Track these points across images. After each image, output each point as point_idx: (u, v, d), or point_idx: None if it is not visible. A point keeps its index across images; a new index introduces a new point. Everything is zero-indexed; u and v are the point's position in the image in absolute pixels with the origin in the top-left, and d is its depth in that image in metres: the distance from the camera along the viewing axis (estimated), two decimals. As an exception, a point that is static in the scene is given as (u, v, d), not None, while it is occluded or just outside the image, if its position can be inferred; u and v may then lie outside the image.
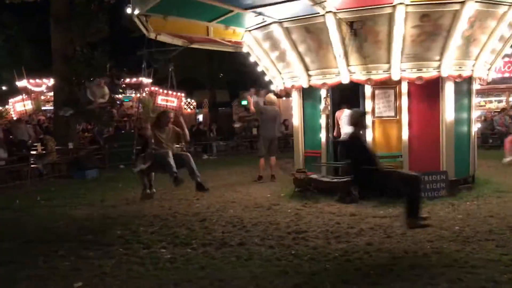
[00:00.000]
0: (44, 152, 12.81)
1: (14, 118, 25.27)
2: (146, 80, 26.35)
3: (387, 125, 8.66)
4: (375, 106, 8.61)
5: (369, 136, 8.55)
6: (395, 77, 8.27)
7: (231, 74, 31.00)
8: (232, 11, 8.44)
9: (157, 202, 8.87)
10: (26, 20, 33.05)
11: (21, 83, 26.99)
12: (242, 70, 23.36)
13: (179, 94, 27.98)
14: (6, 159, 11.67)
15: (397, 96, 8.51)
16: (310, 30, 8.43)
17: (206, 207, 8.31)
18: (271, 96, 11.25)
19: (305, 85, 9.04)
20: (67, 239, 6.51)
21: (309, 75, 8.97)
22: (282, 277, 4.84)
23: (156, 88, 27.81)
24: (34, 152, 12.54)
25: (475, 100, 9.91)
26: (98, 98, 16.11)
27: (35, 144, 13.20)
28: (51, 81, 24.13)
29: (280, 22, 8.56)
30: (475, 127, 9.59)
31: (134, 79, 25.60)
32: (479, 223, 6.60)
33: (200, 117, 28.57)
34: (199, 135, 19.59)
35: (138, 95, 26.17)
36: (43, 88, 26.05)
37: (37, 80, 26.55)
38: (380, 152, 8.43)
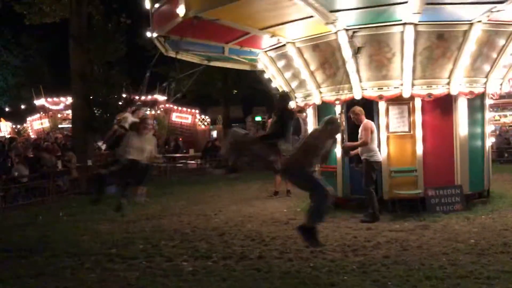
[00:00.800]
0: (65, 169, 13.12)
1: (32, 137, 25.91)
2: (161, 98, 26.88)
3: (401, 141, 8.80)
4: (389, 121, 8.77)
5: (384, 152, 8.71)
6: (406, 94, 8.45)
7: (245, 90, 31.38)
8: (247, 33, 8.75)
9: (176, 217, 9.10)
10: (44, 40, 33.85)
11: (39, 102, 27.64)
12: (256, 86, 23.71)
13: (193, 110, 28.51)
14: (27, 176, 11.99)
15: (411, 111, 8.67)
16: (321, 48, 8.68)
17: (224, 221, 8.50)
18: None
19: (318, 102, 9.25)
20: (91, 252, 6.74)
21: (320, 92, 9.19)
22: (301, 288, 5.00)
23: (171, 105, 28.37)
24: (58, 169, 12.85)
25: (489, 114, 10.04)
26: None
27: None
28: (68, 100, 24.73)
29: (293, 42, 8.82)
30: (489, 141, 9.69)
31: (149, 97, 26.05)
32: (494, 236, 6.71)
33: (214, 133, 28.85)
34: (214, 151, 19.81)
35: (153, 112, 26.62)
36: (61, 106, 26.61)
37: (55, 99, 27.15)
38: (395, 167, 8.64)
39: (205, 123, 28.53)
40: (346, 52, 8.27)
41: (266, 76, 10.72)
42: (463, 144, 8.67)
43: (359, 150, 8.32)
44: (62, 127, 26.65)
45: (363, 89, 8.67)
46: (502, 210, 8.36)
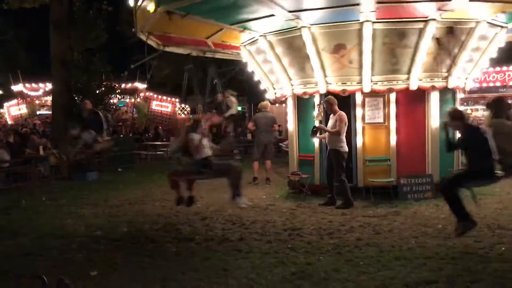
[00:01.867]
0: (46, 154, 13.20)
1: (10, 122, 25.66)
2: (141, 86, 26.87)
3: (376, 131, 9.19)
4: (365, 113, 9.14)
5: (359, 141, 9.10)
6: (366, 89, 8.91)
7: (226, 81, 31.46)
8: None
9: (158, 203, 9.34)
10: (21, 25, 33.33)
11: (17, 88, 27.33)
12: (237, 77, 23.89)
13: (173, 99, 28.58)
14: (9, 161, 12.04)
15: (386, 103, 9.06)
16: (290, 43, 9.06)
17: (205, 207, 8.78)
18: (263, 103, 11.79)
19: (289, 94, 9.63)
20: (77, 234, 6.97)
21: (292, 85, 9.57)
22: (280, 267, 5.34)
23: (151, 94, 28.39)
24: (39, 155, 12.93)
25: (460, 108, 10.49)
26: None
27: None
28: (48, 86, 24.55)
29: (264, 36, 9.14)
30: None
31: (129, 84, 26.04)
32: (460, 221, 7.13)
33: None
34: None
35: (133, 100, 26.62)
36: (40, 92, 26.39)
37: (34, 85, 26.89)
38: (370, 156, 9.05)
39: (185, 112, 28.65)
40: (310, 48, 8.65)
41: (249, 69, 10.98)
42: (434, 135, 9.10)
43: (327, 139, 8.64)
44: (41, 114, 26.47)
45: (327, 84, 9.06)
46: (469, 199, 8.75)
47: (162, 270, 5.33)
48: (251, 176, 11.45)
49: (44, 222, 7.87)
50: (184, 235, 6.80)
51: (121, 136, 18.09)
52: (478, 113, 20.17)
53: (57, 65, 16.66)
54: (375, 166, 9.11)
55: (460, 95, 10.00)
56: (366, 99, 9.13)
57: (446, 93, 9.33)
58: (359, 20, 8.24)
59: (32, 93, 26.96)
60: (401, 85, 8.91)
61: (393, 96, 8.98)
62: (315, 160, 9.55)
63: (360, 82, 8.90)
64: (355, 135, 9.15)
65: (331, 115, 8.64)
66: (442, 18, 8.28)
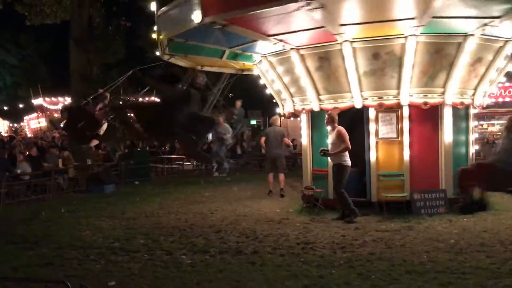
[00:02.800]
0: (64, 167, 13.50)
1: (29, 135, 26.21)
2: (158, 100, 27.26)
3: (389, 146, 9.27)
4: (378, 128, 9.23)
5: (372, 156, 9.19)
6: (404, 103, 8.96)
7: (240, 94, 31.76)
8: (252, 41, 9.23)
9: (174, 215, 9.50)
10: (42, 40, 34.20)
11: (37, 101, 28.00)
12: (252, 90, 24.14)
13: (189, 113, 28.88)
14: (30, 173, 12.36)
15: (399, 119, 9.14)
16: (323, 57, 9.14)
17: (220, 220, 8.92)
18: (273, 117, 12.08)
19: (316, 109, 9.71)
20: (95, 246, 7.16)
21: (320, 100, 9.63)
22: (293, 279, 5.46)
23: (168, 107, 28.75)
24: (58, 167, 13.24)
25: (474, 123, 10.57)
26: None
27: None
28: (67, 100, 25.09)
29: (297, 49, 9.26)
30: (473, 148, 10.18)
31: (146, 98, 26.38)
32: (473, 237, 7.18)
33: (210, 136, 29.18)
34: (209, 153, 20.14)
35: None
36: (59, 106, 26.97)
37: (53, 98, 27.50)
38: (383, 171, 9.12)
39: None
40: (349, 62, 8.72)
41: (261, 81, 11.15)
42: (447, 151, 9.15)
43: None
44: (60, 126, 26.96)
45: (363, 98, 9.13)
46: (483, 214, 8.82)
47: (177, 282, 5.49)
48: (267, 190, 11.59)
49: (63, 233, 8.09)
50: (199, 247, 6.95)
51: (138, 149, 18.34)
52: (494, 128, 20.09)
53: (76, 79, 17.10)
54: (389, 181, 9.17)
55: (474, 111, 10.04)
56: (380, 114, 9.22)
57: (460, 109, 9.39)
58: (403, 35, 8.34)
59: (52, 107, 27.56)
60: (436, 100, 9.03)
61: (406, 112, 9.06)
62: (328, 175, 9.63)
63: (396, 96, 8.98)
64: (369, 150, 9.24)
65: (330, 130, 8.87)
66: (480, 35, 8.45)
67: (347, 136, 8.60)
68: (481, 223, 8.13)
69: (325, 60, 9.12)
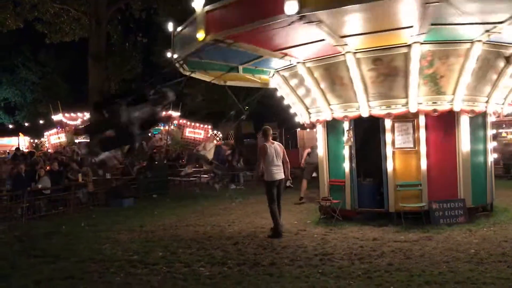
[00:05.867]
0: (84, 181, 13.70)
1: (49, 151, 26.62)
2: (175, 113, 27.57)
3: (406, 156, 9.23)
4: (395, 138, 9.21)
5: (390, 166, 9.15)
6: (413, 110, 8.93)
7: (256, 106, 31.91)
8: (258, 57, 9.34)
9: (192, 228, 9.56)
10: (61, 57, 34.88)
11: (56, 117, 28.47)
12: (267, 102, 24.25)
13: (205, 126, 29.16)
14: (50, 188, 12.57)
15: (415, 128, 9.11)
16: (330, 68, 9.22)
17: (238, 232, 8.96)
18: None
19: (329, 118, 9.73)
20: (115, 259, 7.24)
21: (331, 109, 9.68)
22: (311, 291, 5.45)
23: (184, 121, 29.05)
24: (78, 182, 13.44)
25: (492, 131, 10.48)
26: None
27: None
28: (86, 115, 25.49)
29: (303, 63, 9.36)
30: (491, 157, 10.07)
31: (163, 112, 26.69)
32: (494, 247, 7.09)
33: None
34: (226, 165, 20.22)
35: (167, 127, 27.27)
36: (79, 121, 27.38)
37: (72, 114, 27.95)
38: (400, 181, 9.08)
39: (217, 139, 29.11)
40: (354, 72, 8.77)
41: (279, 94, 11.24)
42: (465, 160, 9.08)
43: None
44: (79, 142, 27.37)
45: (370, 108, 9.15)
46: (504, 223, 8.72)
47: (196, 293, 5.52)
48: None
49: (83, 246, 8.20)
50: (217, 259, 6.98)
51: (156, 162, 18.52)
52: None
53: (95, 95, 17.36)
54: (406, 191, 9.12)
55: (491, 119, 9.96)
56: (396, 124, 9.20)
57: (477, 117, 9.33)
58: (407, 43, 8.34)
59: (71, 122, 28.00)
60: (445, 106, 8.99)
61: (422, 121, 9.03)
62: (345, 185, 9.63)
63: (404, 104, 8.97)
64: (385, 160, 9.21)
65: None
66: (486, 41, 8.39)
67: (261, 153, 8.55)
68: (502, 232, 8.03)
69: (331, 71, 9.25)
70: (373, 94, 9.05)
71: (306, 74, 9.51)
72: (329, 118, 9.76)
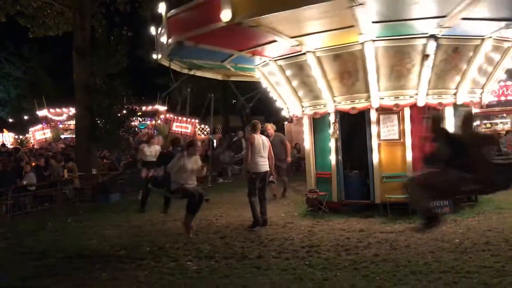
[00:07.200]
0: (70, 177, 13.61)
1: (35, 147, 26.38)
2: (162, 108, 27.44)
3: (392, 148, 9.29)
4: (380, 130, 9.27)
5: (375, 158, 9.21)
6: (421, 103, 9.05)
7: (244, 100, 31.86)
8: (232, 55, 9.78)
9: (179, 222, 9.51)
10: (45, 52, 34.47)
11: (41, 113, 28.20)
12: (255, 97, 24.26)
13: (193, 120, 29.06)
14: (36, 184, 12.46)
15: (400, 120, 9.17)
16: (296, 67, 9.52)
17: (225, 226, 8.97)
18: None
19: (332, 111, 9.66)
20: (102, 254, 7.23)
21: (335, 101, 9.62)
22: (298, 283, 5.50)
23: (171, 115, 28.92)
24: (63, 178, 13.34)
25: (476, 122, 10.59)
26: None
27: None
28: (71, 110, 25.27)
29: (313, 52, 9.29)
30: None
31: (150, 107, 26.61)
32: (478, 236, 7.19)
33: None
34: (214, 160, 20.18)
35: (154, 122, 27.15)
36: (64, 117, 27.15)
37: (57, 110, 27.70)
38: (386, 173, 9.14)
39: (205, 132, 29.05)
40: (370, 62, 8.75)
41: (263, 86, 11.22)
42: (450, 151, 9.15)
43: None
44: (65, 137, 27.17)
45: (380, 98, 9.16)
46: (488, 213, 8.83)
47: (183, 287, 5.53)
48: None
49: (70, 243, 8.16)
50: (204, 253, 6.99)
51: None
52: (498, 127, 20.04)
53: (80, 90, 17.13)
54: (392, 183, 9.16)
55: (475, 110, 10.05)
56: (381, 116, 9.26)
57: (460, 108, 9.40)
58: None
59: (56, 118, 27.75)
60: (449, 100, 9.19)
61: (407, 113, 9.09)
62: (332, 178, 9.68)
63: (413, 96, 9.08)
64: (371, 152, 9.27)
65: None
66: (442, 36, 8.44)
67: (249, 142, 8.65)
68: (486, 222, 8.14)
69: (298, 69, 9.60)
70: (337, 90, 9.31)
71: (278, 72, 9.75)
72: (332, 110, 9.67)
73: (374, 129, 9.24)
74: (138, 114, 22.68)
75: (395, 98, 9.08)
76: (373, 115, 9.22)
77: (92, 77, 17.87)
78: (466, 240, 6.97)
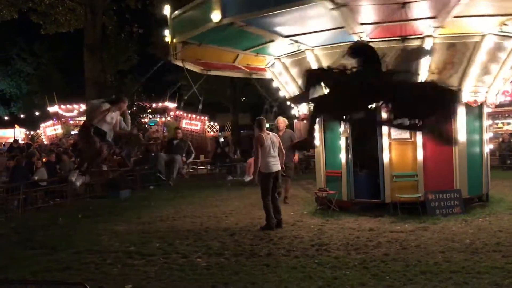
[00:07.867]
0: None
1: (45, 142, 26.59)
2: (171, 105, 27.49)
3: (402, 147, 9.24)
4: (391, 129, 9.21)
5: (386, 157, 9.17)
6: None
7: (253, 98, 31.85)
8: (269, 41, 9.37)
9: (189, 219, 9.58)
10: (56, 49, 34.70)
11: (52, 109, 28.38)
12: (263, 94, 24.25)
13: (202, 117, 29.08)
14: (47, 180, 12.56)
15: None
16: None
17: (235, 223, 8.98)
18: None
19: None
20: (112, 250, 7.26)
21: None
22: (307, 281, 5.50)
23: (181, 112, 28.96)
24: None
25: (488, 122, 10.51)
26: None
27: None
28: (82, 107, 25.42)
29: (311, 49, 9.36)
30: (487, 148, 10.11)
31: (160, 104, 26.67)
32: (489, 236, 7.14)
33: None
34: (224, 157, 20.24)
35: (163, 119, 27.22)
36: (75, 113, 27.30)
37: (68, 106, 27.86)
38: (396, 172, 9.10)
39: (214, 130, 29.07)
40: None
41: (274, 84, 11.21)
42: (461, 150, 9.11)
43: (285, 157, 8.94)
44: (75, 133, 27.31)
45: None
46: (499, 213, 8.77)
47: (193, 284, 5.56)
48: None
49: (80, 238, 8.20)
50: (214, 250, 7.01)
51: (153, 154, 18.49)
52: (510, 126, 19.87)
53: (91, 86, 17.23)
54: (403, 182, 9.15)
55: (487, 109, 9.97)
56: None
57: (473, 107, 9.34)
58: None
59: (67, 114, 27.92)
60: None
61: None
62: (342, 176, 9.65)
63: None
64: (382, 151, 9.23)
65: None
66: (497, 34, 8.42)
67: (258, 143, 8.34)
68: (497, 223, 8.08)
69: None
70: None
71: (313, 61, 9.54)
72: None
73: (385, 127, 9.18)
74: (148, 111, 22.78)
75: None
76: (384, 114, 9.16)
77: (103, 73, 17.97)
78: (477, 241, 6.93)
